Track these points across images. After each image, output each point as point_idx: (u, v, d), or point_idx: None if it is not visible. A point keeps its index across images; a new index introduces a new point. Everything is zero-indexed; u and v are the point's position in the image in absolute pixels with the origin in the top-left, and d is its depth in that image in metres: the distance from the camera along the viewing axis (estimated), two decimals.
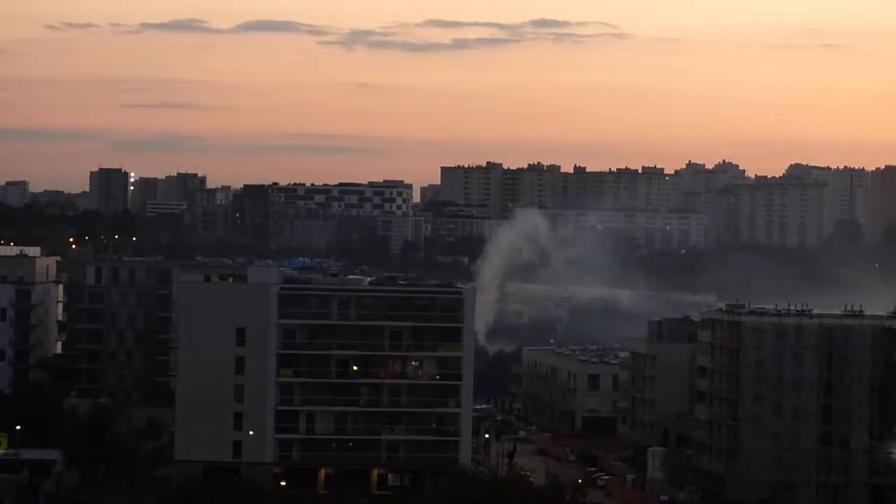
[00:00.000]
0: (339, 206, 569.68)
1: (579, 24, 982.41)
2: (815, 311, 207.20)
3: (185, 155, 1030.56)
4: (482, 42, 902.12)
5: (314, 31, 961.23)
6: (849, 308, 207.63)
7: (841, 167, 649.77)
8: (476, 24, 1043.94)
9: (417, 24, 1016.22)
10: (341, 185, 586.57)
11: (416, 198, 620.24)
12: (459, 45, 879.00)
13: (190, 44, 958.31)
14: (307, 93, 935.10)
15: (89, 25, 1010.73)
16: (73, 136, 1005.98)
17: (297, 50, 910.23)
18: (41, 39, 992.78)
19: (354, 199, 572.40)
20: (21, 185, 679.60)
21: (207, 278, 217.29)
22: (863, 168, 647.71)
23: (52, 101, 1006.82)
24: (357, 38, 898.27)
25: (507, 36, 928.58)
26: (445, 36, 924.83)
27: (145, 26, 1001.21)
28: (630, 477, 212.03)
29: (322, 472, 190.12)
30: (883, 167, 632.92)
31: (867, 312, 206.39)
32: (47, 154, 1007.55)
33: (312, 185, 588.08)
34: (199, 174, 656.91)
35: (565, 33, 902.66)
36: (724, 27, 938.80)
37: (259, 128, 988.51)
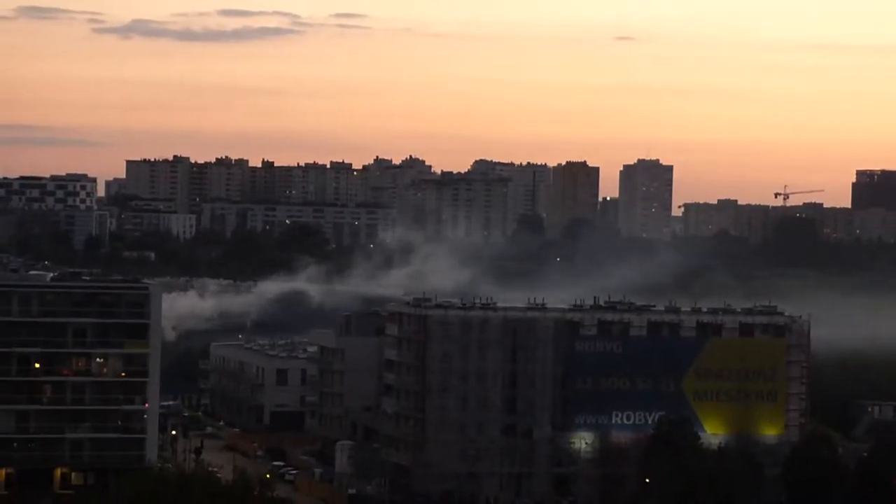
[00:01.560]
0: (20, 199, 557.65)
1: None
2: (499, 305, 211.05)
3: None
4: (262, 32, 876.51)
5: (93, 18, 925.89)
6: (532, 301, 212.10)
7: (524, 163, 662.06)
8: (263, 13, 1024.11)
9: (201, 14, 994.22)
10: (22, 178, 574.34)
11: (102, 192, 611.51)
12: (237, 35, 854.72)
13: None
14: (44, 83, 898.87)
15: None
16: None
17: (71, 38, 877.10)
18: None
19: (36, 192, 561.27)
20: None
21: None
22: (545, 164, 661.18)
23: None
24: (135, 27, 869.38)
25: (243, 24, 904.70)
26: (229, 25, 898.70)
27: None
28: (318, 471, 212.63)
29: (2, 473, 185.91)
30: (564, 163, 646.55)
31: (549, 305, 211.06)
32: None
33: None
34: None
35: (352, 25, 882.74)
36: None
37: None
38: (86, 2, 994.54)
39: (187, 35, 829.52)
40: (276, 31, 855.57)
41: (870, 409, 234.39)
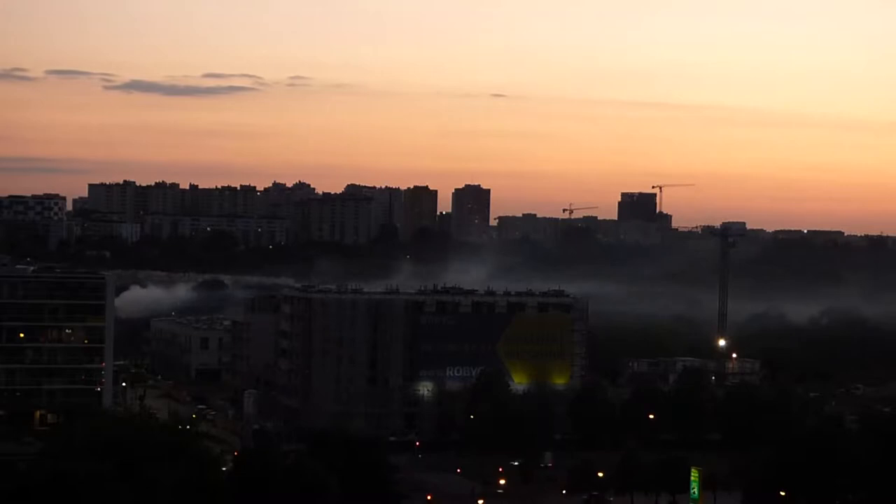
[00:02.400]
0: (9, 213, 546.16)
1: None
2: (365, 290, 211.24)
3: None
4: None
5: (104, 77, 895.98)
6: (389, 287, 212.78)
7: (384, 186, 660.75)
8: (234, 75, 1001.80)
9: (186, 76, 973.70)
10: (11, 196, 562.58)
11: (70, 207, 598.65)
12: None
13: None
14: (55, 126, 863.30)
15: None
16: None
17: (85, 93, 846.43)
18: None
19: (21, 208, 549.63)
20: None
21: None
22: (399, 187, 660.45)
23: None
24: (134, 85, 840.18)
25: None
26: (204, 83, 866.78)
27: None
28: (231, 412, 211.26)
29: None
30: (413, 186, 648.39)
31: (402, 290, 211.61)
32: None
33: None
34: None
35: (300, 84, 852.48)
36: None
37: None
38: (99, 65, 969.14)
39: (173, 90, 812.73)
40: (240, 89, 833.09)
41: (630, 364, 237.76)
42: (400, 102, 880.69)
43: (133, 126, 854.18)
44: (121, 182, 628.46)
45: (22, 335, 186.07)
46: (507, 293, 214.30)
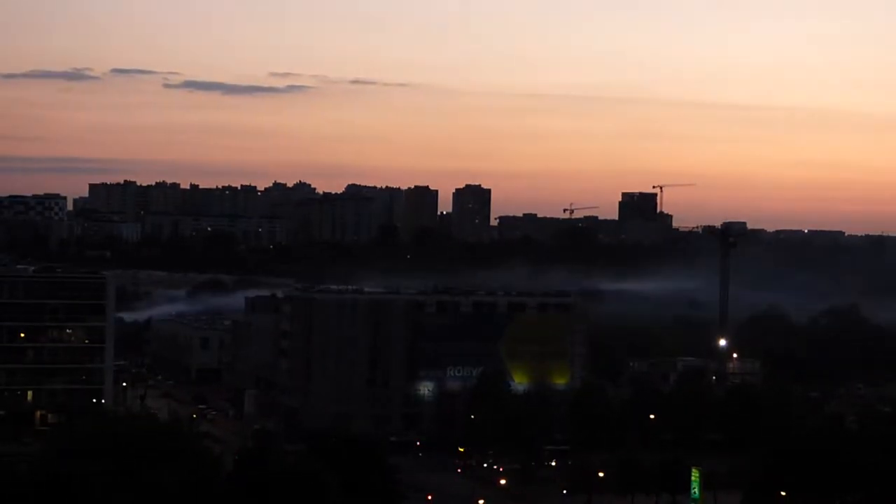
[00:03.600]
0: (10, 213, 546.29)
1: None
2: (366, 290, 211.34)
3: None
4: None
5: (164, 77, 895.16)
6: (390, 287, 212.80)
7: (384, 186, 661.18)
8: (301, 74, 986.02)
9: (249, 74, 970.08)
10: (11, 196, 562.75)
11: (71, 207, 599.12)
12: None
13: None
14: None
15: None
16: None
17: (149, 92, 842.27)
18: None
19: (22, 207, 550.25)
20: None
21: None
22: (399, 187, 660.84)
23: None
24: (191, 83, 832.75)
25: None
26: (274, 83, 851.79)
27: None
28: (231, 412, 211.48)
29: None
30: (413, 186, 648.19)
31: (402, 290, 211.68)
32: None
33: None
34: None
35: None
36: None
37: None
38: (162, 64, 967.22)
39: (231, 89, 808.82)
40: (300, 88, 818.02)
41: (630, 364, 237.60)
42: (401, 103, 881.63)
43: (145, 126, 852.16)
44: (121, 182, 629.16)
45: (22, 335, 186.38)
46: (508, 293, 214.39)
